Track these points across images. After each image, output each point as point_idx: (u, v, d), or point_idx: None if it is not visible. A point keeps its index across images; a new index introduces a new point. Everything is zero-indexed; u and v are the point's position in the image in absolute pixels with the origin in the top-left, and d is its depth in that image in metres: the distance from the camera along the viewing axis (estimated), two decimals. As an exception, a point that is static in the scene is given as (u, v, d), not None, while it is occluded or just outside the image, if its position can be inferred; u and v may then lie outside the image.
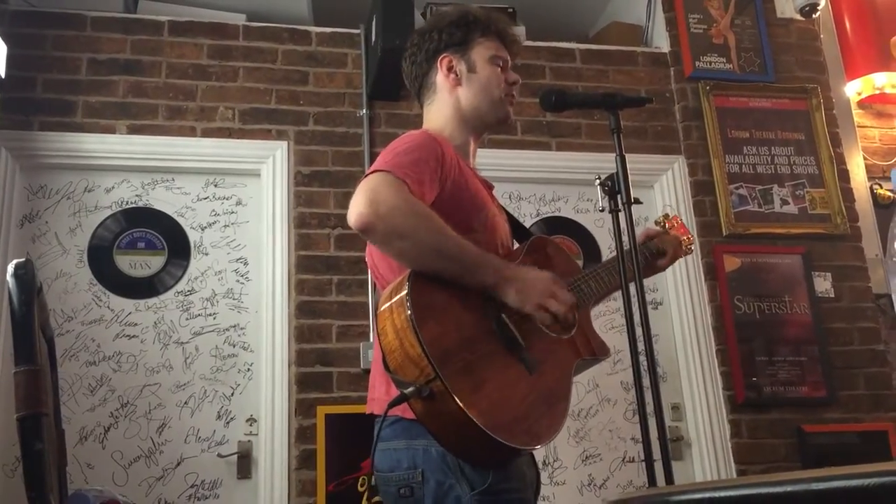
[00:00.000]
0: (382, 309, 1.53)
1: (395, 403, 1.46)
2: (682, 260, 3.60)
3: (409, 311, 1.46)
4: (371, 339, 3.32)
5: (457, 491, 1.52)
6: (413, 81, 1.96)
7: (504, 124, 1.97)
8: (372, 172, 1.60)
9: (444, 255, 1.55)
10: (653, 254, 2.06)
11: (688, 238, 2.16)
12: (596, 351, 1.82)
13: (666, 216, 2.19)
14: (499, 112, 1.91)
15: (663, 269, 2.10)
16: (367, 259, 1.85)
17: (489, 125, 1.94)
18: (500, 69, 1.91)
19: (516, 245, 1.92)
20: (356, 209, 1.54)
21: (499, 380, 1.52)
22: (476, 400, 1.44)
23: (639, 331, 1.73)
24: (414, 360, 1.44)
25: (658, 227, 2.16)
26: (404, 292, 1.49)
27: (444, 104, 1.90)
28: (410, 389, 1.42)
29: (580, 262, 3.54)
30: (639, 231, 2.00)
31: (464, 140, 1.89)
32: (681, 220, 2.20)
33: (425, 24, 1.99)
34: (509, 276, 1.61)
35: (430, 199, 1.62)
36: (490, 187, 1.91)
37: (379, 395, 1.67)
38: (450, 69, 1.89)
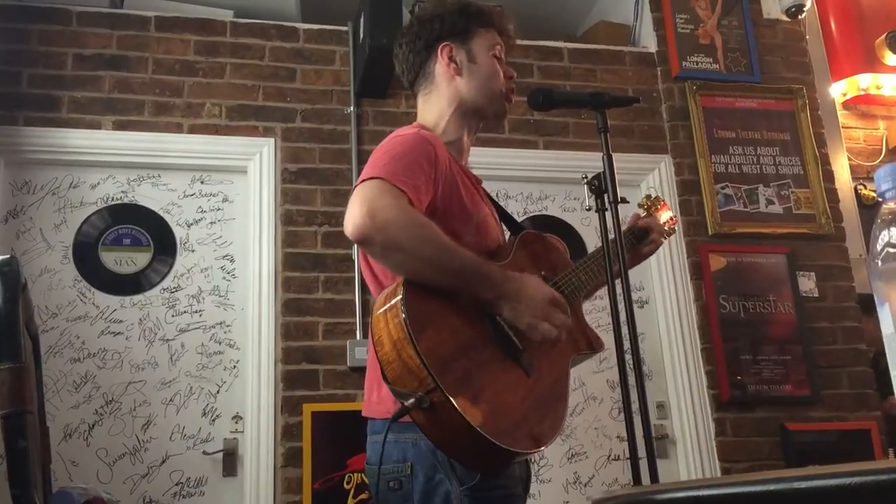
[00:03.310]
0: (377, 315, 1.51)
1: (396, 417, 1.44)
2: (668, 259, 3.68)
3: (405, 321, 1.44)
4: (358, 337, 3.32)
5: (446, 486, 1.52)
6: (409, 70, 1.90)
7: (500, 119, 1.96)
8: (367, 179, 1.55)
9: (442, 268, 1.53)
10: (637, 237, 2.03)
11: (671, 219, 2.14)
12: (593, 344, 1.82)
13: (648, 197, 2.17)
14: (497, 106, 1.89)
15: (649, 253, 2.06)
16: (360, 261, 1.82)
17: (486, 118, 1.91)
18: (498, 62, 1.90)
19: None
20: (353, 219, 1.50)
21: (498, 385, 1.52)
22: (477, 408, 1.43)
23: (625, 329, 1.73)
24: (413, 372, 1.42)
25: (641, 210, 2.15)
26: (399, 298, 1.47)
27: (441, 95, 1.86)
28: (411, 401, 1.41)
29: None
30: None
31: (459, 135, 1.86)
32: (664, 200, 2.19)
33: (424, 11, 1.93)
34: (508, 292, 1.58)
35: (425, 204, 1.60)
36: (478, 182, 1.90)
37: (369, 396, 1.68)
38: (450, 58, 1.85)
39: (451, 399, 1.40)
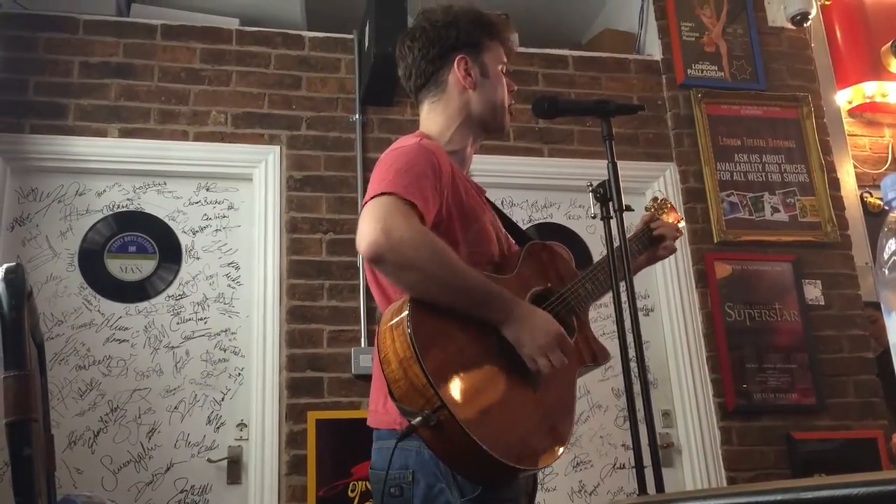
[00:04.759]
0: (383, 330, 1.52)
1: (403, 435, 1.45)
2: (673, 266, 3.67)
3: (411, 338, 1.44)
4: (363, 344, 3.32)
5: (446, 496, 1.51)
6: (420, 75, 1.87)
7: (501, 133, 1.96)
8: (377, 195, 1.55)
9: (453, 288, 1.54)
10: (650, 241, 2.03)
11: (676, 219, 2.12)
12: (598, 356, 1.82)
13: (655, 199, 2.16)
14: (501, 121, 1.89)
15: (663, 257, 2.06)
16: (366, 274, 1.82)
17: (490, 132, 1.92)
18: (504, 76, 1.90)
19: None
20: (367, 237, 1.50)
21: (504, 402, 1.52)
22: (483, 426, 1.44)
23: (630, 337, 1.73)
24: (419, 390, 1.43)
25: (649, 213, 2.12)
26: (405, 315, 1.48)
27: (450, 105, 1.84)
28: (418, 420, 1.42)
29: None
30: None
31: (463, 145, 1.86)
32: (671, 203, 2.17)
33: (434, 15, 1.88)
34: (516, 316, 1.58)
35: (433, 214, 1.60)
36: (482, 192, 1.91)
37: (375, 407, 1.68)
38: (466, 71, 1.84)
39: (458, 418, 1.41)
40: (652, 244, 2.03)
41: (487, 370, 1.54)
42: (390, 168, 1.62)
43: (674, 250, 2.06)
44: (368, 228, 1.50)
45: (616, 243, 1.78)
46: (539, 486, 3.39)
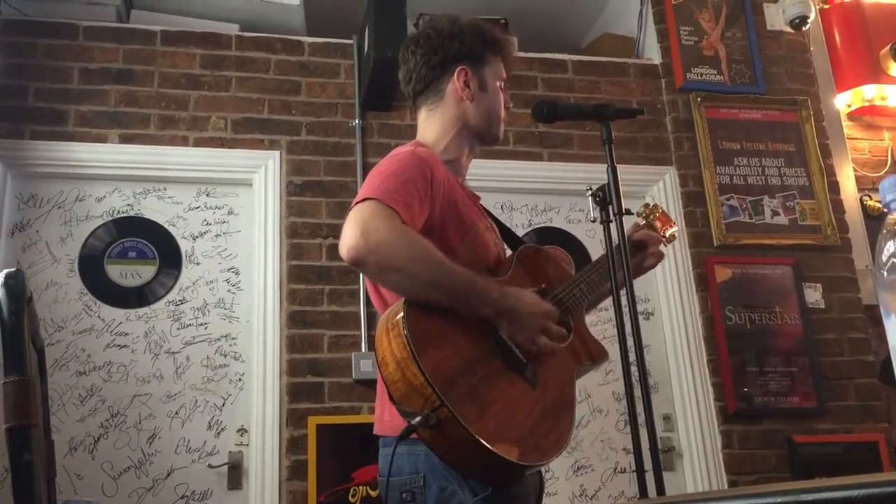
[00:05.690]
0: (380, 334, 1.53)
1: (403, 435, 1.46)
2: (673, 270, 3.67)
3: (407, 339, 1.45)
4: (363, 349, 3.32)
5: (459, 497, 1.52)
6: (419, 81, 1.90)
7: (496, 143, 1.99)
8: (361, 201, 1.58)
9: (438, 286, 1.55)
10: (633, 249, 1.99)
11: (669, 225, 2.07)
12: (595, 355, 1.82)
13: (647, 206, 2.12)
14: (496, 132, 1.92)
15: (650, 267, 2.03)
16: (365, 281, 1.84)
17: (485, 142, 1.95)
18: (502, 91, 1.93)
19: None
20: (347, 242, 1.53)
21: (503, 400, 1.53)
22: (483, 423, 1.44)
23: (630, 341, 1.73)
24: (418, 390, 1.44)
25: (640, 220, 2.08)
26: (400, 316, 1.49)
27: (447, 114, 1.88)
28: (417, 419, 1.43)
29: (571, 272, 3.54)
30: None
31: (458, 154, 1.88)
32: (662, 209, 2.12)
33: (440, 24, 1.93)
34: (505, 308, 1.60)
35: (421, 221, 1.62)
36: (476, 199, 1.91)
37: (380, 415, 1.69)
38: (465, 83, 1.87)
39: (458, 415, 1.41)
40: (636, 252, 1.99)
41: (486, 368, 1.55)
42: (378, 176, 1.65)
43: (661, 257, 2.01)
44: (349, 233, 1.53)
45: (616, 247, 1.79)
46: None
